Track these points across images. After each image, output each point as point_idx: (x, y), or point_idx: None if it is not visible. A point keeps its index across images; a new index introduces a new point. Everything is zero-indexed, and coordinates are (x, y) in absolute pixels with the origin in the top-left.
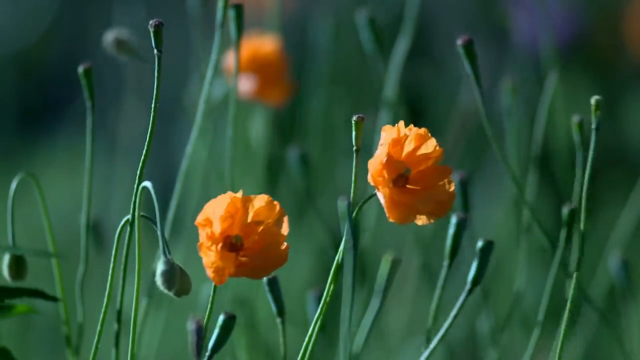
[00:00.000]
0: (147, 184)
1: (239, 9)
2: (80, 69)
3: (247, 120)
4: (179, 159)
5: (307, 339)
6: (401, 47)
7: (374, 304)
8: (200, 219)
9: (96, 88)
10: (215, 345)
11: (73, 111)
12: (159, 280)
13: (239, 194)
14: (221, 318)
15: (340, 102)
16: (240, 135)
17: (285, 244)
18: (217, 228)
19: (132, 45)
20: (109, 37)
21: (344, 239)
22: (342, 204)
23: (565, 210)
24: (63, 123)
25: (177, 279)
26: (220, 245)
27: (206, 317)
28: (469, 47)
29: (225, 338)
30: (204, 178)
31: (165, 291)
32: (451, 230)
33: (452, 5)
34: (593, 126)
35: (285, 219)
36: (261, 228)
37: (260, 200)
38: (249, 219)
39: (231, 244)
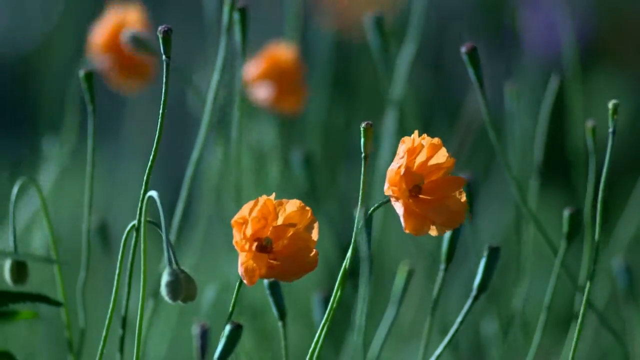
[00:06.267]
0: (152, 193)
1: (243, 12)
2: (81, 73)
3: (254, 123)
4: (187, 162)
5: (313, 344)
6: (407, 52)
7: (389, 313)
8: (236, 218)
9: (102, 92)
10: (221, 355)
11: (84, 115)
12: (164, 290)
13: (272, 197)
14: (227, 328)
15: (344, 105)
16: (248, 137)
17: (314, 250)
18: (250, 229)
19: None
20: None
21: (351, 247)
22: (358, 213)
23: (566, 214)
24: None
25: (183, 289)
26: (253, 245)
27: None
28: (473, 54)
29: (231, 348)
30: (213, 181)
31: (170, 301)
32: (447, 234)
33: (459, 10)
34: (610, 129)
35: (316, 225)
36: (292, 232)
37: (292, 205)
38: (280, 222)
39: (261, 246)
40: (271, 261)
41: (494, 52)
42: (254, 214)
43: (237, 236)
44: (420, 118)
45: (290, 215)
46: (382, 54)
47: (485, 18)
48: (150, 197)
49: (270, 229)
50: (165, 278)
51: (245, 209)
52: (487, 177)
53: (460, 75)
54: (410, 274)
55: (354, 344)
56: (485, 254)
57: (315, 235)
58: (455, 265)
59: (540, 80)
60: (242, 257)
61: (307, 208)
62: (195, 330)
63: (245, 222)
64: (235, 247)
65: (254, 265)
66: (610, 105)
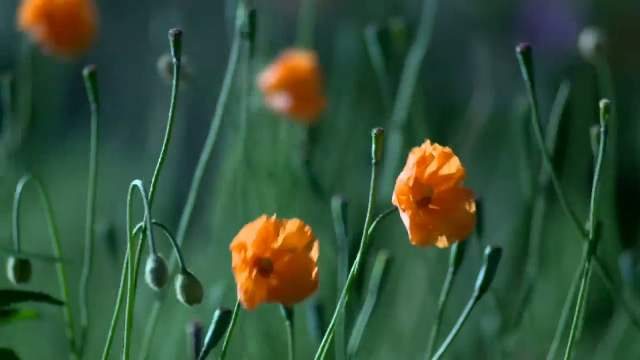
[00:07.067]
0: (137, 182)
1: (252, 15)
2: (86, 72)
3: (277, 128)
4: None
5: (319, 351)
6: (415, 56)
7: (369, 304)
8: (234, 243)
9: (125, 94)
10: (211, 340)
11: (105, 115)
12: (148, 278)
13: (273, 219)
14: (217, 313)
15: (360, 108)
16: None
17: (316, 270)
18: (250, 252)
19: (187, 70)
20: (163, 62)
21: (359, 254)
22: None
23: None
24: (86, 126)
25: (167, 276)
26: (253, 269)
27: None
28: (527, 54)
29: (222, 333)
30: (231, 185)
31: (155, 289)
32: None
33: (462, 9)
34: (602, 129)
35: (316, 244)
36: (291, 253)
37: (292, 225)
38: (280, 243)
39: (261, 267)
40: (271, 282)
41: (499, 52)
42: (254, 237)
43: (236, 260)
44: (428, 121)
45: (289, 236)
46: (385, 69)
47: (491, 17)
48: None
49: (270, 250)
50: (149, 265)
51: (243, 233)
52: (490, 181)
53: (462, 76)
54: (389, 263)
55: (336, 334)
56: (487, 254)
57: (315, 254)
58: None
59: (549, 80)
60: (241, 282)
61: (307, 228)
62: (189, 329)
63: (242, 247)
64: (234, 271)
65: (255, 289)
66: (602, 104)
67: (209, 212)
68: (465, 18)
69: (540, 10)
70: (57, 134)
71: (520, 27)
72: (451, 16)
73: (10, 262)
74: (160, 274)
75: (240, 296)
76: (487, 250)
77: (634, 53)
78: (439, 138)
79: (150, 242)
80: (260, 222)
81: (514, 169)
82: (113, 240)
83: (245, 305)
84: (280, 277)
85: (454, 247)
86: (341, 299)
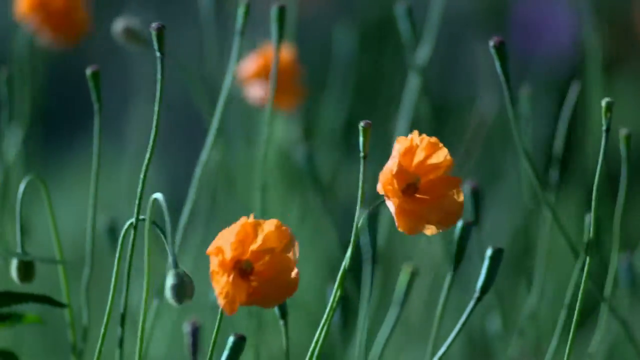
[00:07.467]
0: (157, 195)
1: (281, 10)
2: (88, 72)
3: (275, 124)
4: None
5: (312, 345)
6: (422, 54)
7: (392, 314)
8: (211, 248)
9: (119, 93)
10: None
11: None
12: (168, 293)
13: (251, 219)
14: (231, 340)
15: (360, 106)
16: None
17: (295, 270)
18: (228, 255)
19: (142, 35)
20: (119, 25)
21: (350, 247)
22: (357, 213)
23: (587, 220)
24: (81, 128)
25: (188, 292)
26: (231, 273)
27: None
28: (501, 48)
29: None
30: (215, 182)
31: (173, 303)
32: (457, 234)
33: (465, 10)
34: (603, 127)
35: (296, 244)
36: (270, 253)
37: (269, 225)
38: (259, 243)
39: (241, 269)
40: (251, 284)
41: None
42: (232, 239)
43: (214, 264)
44: (432, 119)
45: (268, 236)
46: (412, 44)
47: (489, 19)
48: (155, 198)
49: (249, 251)
50: (169, 281)
51: (220, 237)
52: (494, 181)
53: (461, 75)
54: (414, 275)
55: (357, 345)
56: (488, 255)
57: (295, 254)
58: (460, 268)
59: (546, 80)
60: (219, 287)
61: (285, 227)
62: (187, 328)
63: (220, 251)
64: (212, 276)
65: (234, 292)
66: (604, 103)
67: (208, 209)
68: (461, 16)
69: (538, 8)
70: (55, 132)
71: (518, 26)
72: (449, 15)
73: (14, 263)
74: (181, 290)
75: (219, 301)
76: (488, 251)
77: (632, 51)
78: (436, 136)
79: (170, 256)
80: (238, 224)
81: (515, 169)
82: (115, 241)
83: (225, 310)
84: (260, 278)
85: (455, 244)
86: (364, 310)
